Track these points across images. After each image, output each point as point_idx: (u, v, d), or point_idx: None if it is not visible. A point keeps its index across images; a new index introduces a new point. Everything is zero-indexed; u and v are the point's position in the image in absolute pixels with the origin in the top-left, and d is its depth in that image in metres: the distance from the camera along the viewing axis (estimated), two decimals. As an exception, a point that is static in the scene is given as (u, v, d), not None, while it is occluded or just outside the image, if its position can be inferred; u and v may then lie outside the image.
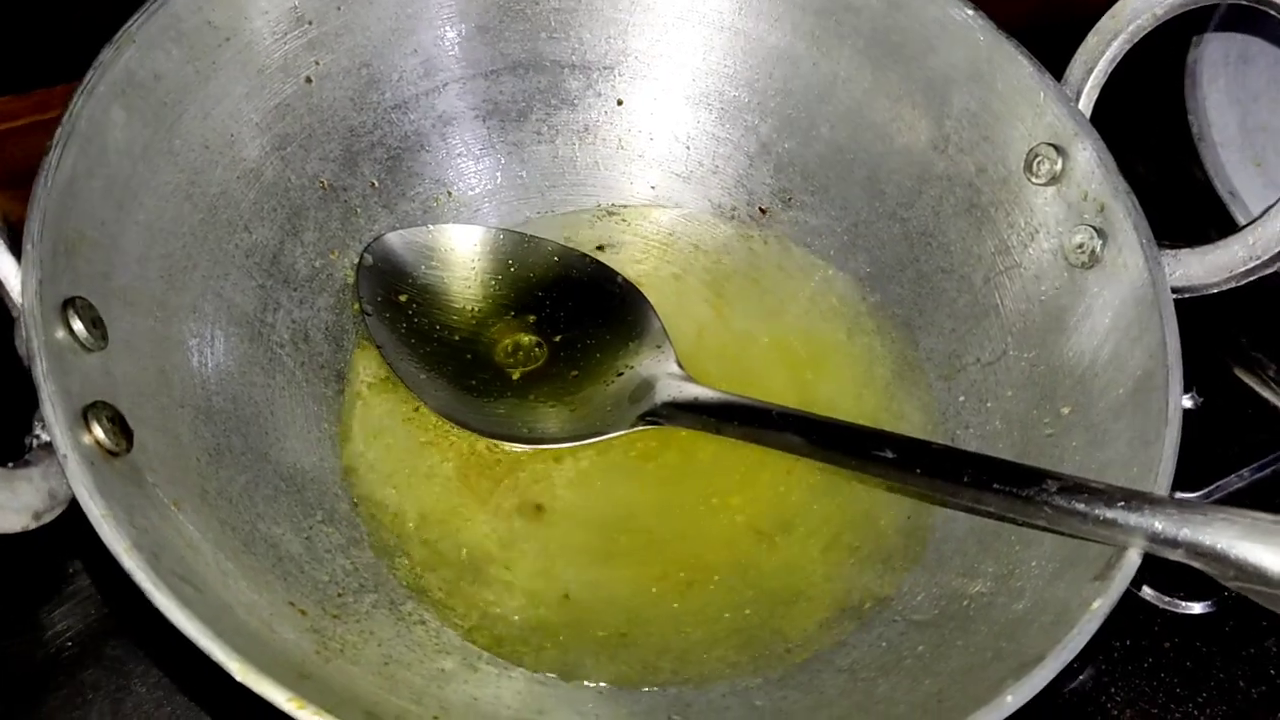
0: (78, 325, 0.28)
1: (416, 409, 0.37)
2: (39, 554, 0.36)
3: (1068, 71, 0.37)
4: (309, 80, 0.37)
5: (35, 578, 0.36)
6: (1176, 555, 0.27)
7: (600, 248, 0.41)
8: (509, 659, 0.32)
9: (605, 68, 0.42)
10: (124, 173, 0.31)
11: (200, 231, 0.34)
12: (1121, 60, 0.37)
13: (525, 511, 0.35)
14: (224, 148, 0.35)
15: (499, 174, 0.42)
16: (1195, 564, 0.27)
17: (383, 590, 0.32)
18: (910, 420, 0.38)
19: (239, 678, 0.24)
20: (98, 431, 0.27)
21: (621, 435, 0.37)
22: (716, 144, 0.42)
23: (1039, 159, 0.36)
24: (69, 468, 0.25)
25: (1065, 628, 0.27)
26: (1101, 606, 0.27)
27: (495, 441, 0.36)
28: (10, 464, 0.26)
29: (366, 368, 0.38)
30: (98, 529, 0.25)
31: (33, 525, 0.25)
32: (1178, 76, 0.49)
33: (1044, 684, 0.26)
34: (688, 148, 0.42)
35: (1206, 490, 0.39)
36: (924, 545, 0.34)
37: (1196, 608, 0.38)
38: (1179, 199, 0.47)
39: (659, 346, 0.38)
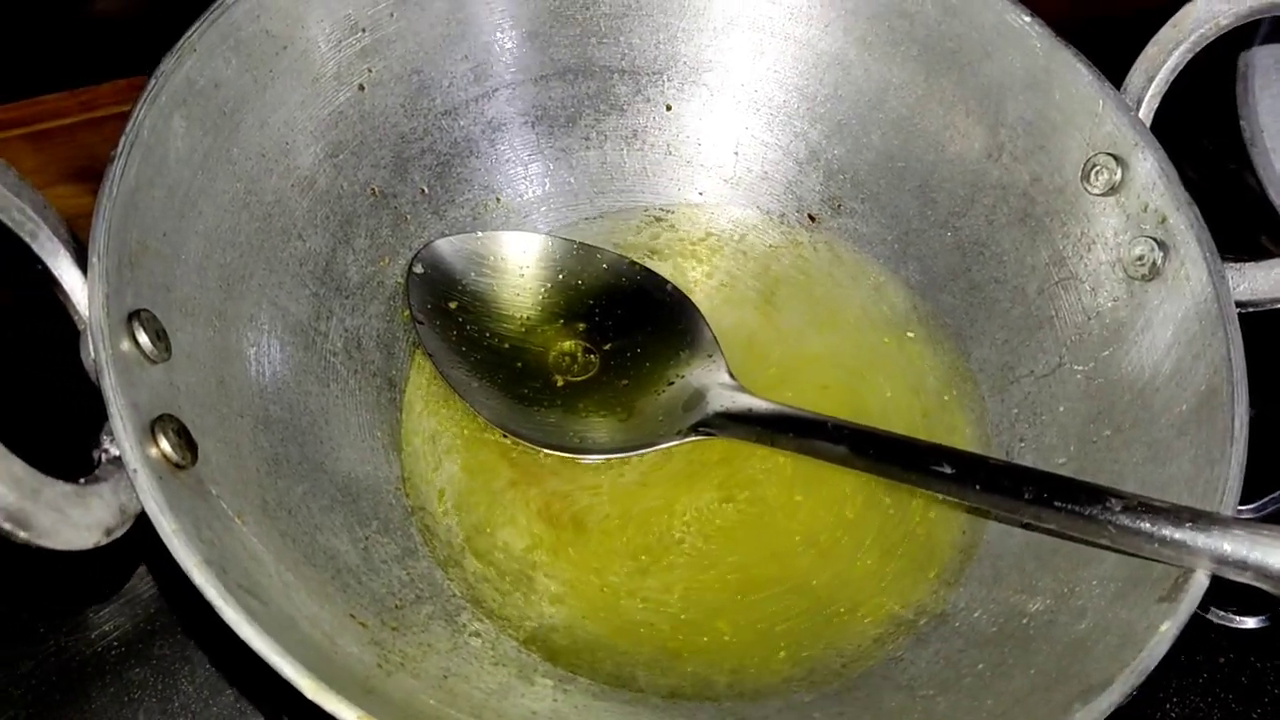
0: (143, 337, 0.28)
1: (468, 417, 0.37)
2: (87, 555, 0.36)
3: (1127, 80, 0.37)
4: (362, 88, 0.37)
5: (84, 578, 0.36)
6: (1244, 577, 0.27)
7: (649, 254, 0.41)
8: (565, 671, 0.32)
9: (654, 73, 0.41)
10: (184, 182, 0.31)
11: (256, 240, 0.34)
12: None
13: (578, 522, 0.35)
14: (279, 156, 0.35)
15: (547, 180, 0.41)
16: (1264, 586, 0.27)
17: (438, 601, 0.32)
18: (962, 433, 0.38)
19: (310, 695, 0.24)
20: (164, 445, 0.27)
21: (673, 446, 0.36)
22: (765, 150, 0.42)
23: (1097, 169, 0.36)
24: (139, 482, 0.25)
25: (1132, 650, 0.27)
26: (1170, 629, 0.27)
27: (546, 451, 0.36)
28: (82, 480, 0.26)
29: (418, 376, 0.37)
30: (168, 544, 0.25)
31: (104, 541, 0.25)
32: (1229, 82, 0.48)
33: (1112, 708, 0.26)
34: (736, 153, 0.42)
35: (1260, 503, 0.39)
36: (980, 560, 0.34)
37: (1251, 622, 0.37)
38: (1231, 205, 0.47)
39: (710, 355, 0.38)
